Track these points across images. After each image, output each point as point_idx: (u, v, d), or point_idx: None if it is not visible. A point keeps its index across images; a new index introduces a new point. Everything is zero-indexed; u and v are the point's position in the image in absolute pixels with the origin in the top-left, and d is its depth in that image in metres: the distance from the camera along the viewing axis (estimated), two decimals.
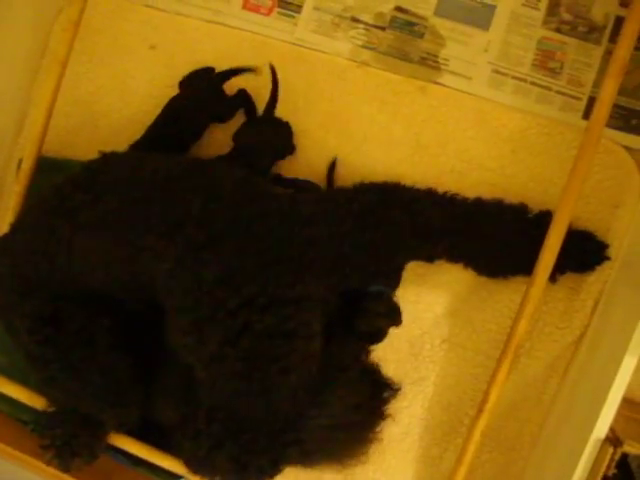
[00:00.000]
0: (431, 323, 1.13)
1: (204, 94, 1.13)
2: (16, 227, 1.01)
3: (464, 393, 1.13)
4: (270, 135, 1.14)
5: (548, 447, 1.10)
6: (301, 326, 0.87)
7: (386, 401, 0.97)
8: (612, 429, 0.96)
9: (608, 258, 1.06)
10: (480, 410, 1.04)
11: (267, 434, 0.87)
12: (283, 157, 1.14)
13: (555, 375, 1.11)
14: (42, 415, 1.08)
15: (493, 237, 1.02)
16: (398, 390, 0.99)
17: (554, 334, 1.10)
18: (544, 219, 1.02)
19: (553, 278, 1.04)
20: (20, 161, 1.13)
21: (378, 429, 0.95)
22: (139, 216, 0.90)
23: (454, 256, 1.05)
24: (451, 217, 1.02)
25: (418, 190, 1.03)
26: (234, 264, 0.86)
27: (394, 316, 1.05)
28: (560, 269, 1.04)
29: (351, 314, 1.02)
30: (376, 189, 1.02)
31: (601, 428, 0.96)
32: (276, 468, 0.89)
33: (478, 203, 1.04)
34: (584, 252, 1.06)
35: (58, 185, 0.97)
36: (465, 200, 1.04)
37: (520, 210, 1.05)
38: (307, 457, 0.90)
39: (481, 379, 1.11)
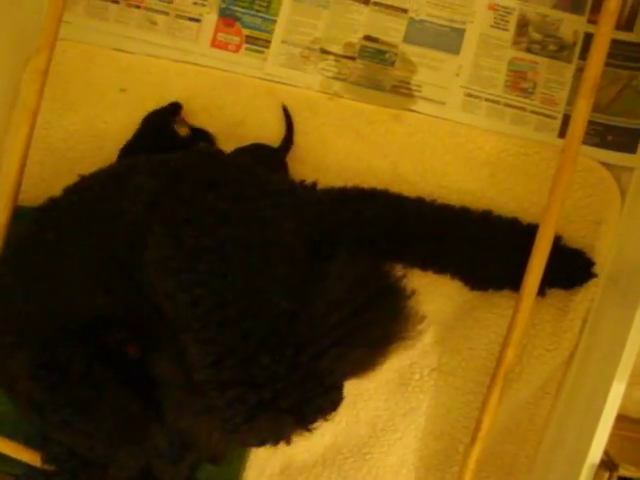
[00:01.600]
0: (419, 353, 1.12)
1: (152, 136, 1.13)
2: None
3: (457, 421, 1.12)
4: None
5: (545, 470, 1.08)
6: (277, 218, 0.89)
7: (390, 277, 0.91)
8: (607, 452, 0.95)
9: (595, 275, 1.05)
10: (474, 439, 1.03)
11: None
12: None
13: (547, 396, 1.10)
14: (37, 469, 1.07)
15: (480, 243, 1.02)
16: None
17: (544, 356, 1.09)
18: (535, 228, 1.01)
19: (542, 292, 1.03)
20: None
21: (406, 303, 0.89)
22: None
23: (439, 264, 1.05)
24: (435, 220, 1.03)
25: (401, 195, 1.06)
26: None
27: None
28: (548, 284, 1.03)
29: None
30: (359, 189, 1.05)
31: (595, 452, 0.95)
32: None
33: (465, 209, 1.05)
34: (571, 269, 1.06)
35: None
36: (452, 207, 1.05)
37: (510, 219, 1.05)
38: (343, 350, 0.84)
39: (473, 406, 1.10)
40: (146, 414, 0.96)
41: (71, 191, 1.01)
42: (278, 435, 0.86)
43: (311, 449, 1.15)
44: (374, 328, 0.85)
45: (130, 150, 1.12)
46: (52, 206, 1.01)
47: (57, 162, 1.16)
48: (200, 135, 1.13)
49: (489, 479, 1.11)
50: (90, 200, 0.97)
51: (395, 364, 1.11)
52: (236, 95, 1.14)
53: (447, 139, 1.10)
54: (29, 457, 1.09)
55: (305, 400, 0.82)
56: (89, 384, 0.94)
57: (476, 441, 1.03)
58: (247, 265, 0.84)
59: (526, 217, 1.07)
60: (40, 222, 1.00)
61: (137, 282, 0.91)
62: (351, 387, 1.04)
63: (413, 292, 0.89)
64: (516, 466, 1.11)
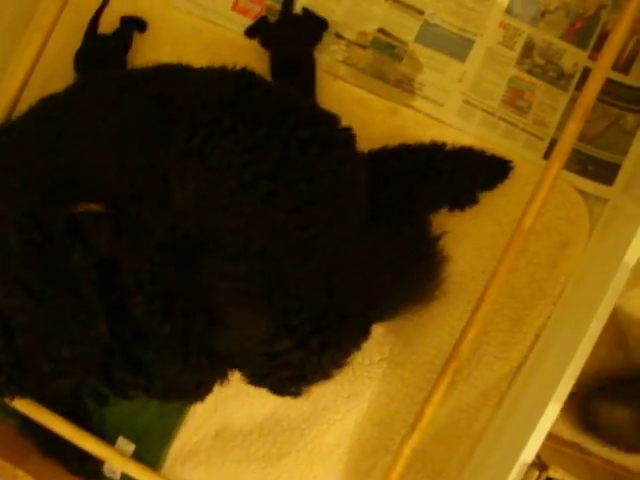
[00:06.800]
0: (371, 340, 1.13)
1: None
2: (26, 121, 1.04)
3: (397, 412, 1.14)
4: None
5: (474, 476, 1.10)
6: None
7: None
8: (538, 456, 0.98)
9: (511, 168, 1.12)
10: (413, 427, 1.05)
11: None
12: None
13: (489, 404, 1.12)
14: None
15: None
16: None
17: (492, 364, 1.12)
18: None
19: (475, 200, 1.11)
20: None
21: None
22: None
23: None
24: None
25: None
26: None
27: None
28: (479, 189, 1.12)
29: None
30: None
31: (528, 453, 0.97)
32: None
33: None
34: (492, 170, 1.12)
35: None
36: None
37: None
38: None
39: (415, 400, 1.12)
40: (98, 309, 0.97)
41: (123, 70, 1.09)
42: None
43: (250, 416, 1.16)
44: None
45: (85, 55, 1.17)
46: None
47: (58, 89, 1.17)
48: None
49: (418, 475, 1.13)
50: (139, 78, 1.01)
51: None
52: (246, 59, 1.15)
53: (437, 139, 1.12)
54: None
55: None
56: (64, 258, 0.95)
57: (415, 430, 1.05)
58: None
59: (497, 227, 1.12)
60: (83, 83, 1.05)
61: (160, 174, 0.93)
62: None
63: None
64: (446, 468, 1.13)
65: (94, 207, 0.99)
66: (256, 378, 0.93)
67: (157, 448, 1.17)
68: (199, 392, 0.99)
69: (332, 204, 0.93)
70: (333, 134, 0.98)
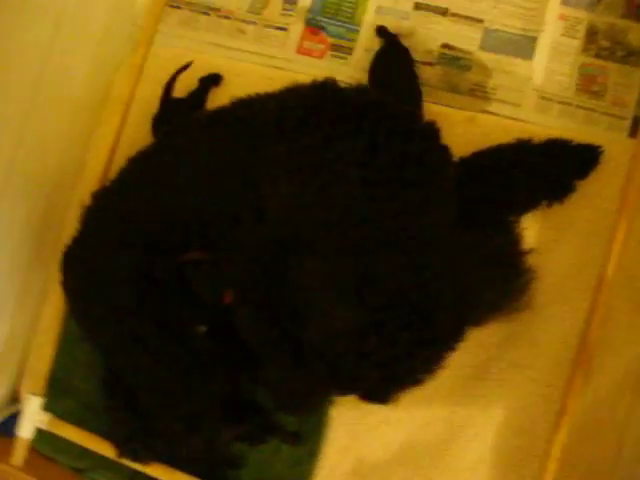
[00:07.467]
0: (496, 347, 1.12)
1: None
2: (119, 181, 1.07)
3: (534, 415, 1.10)
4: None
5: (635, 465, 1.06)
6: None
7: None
8: None
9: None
10: (557, 425, 1.02)
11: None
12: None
13: (626, 390, 1.09)
14: None
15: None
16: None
17: (621, 349, 1.09)
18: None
19: (572, 188, 1.10)
20: None
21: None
22: None
23: None
24: None
25: None
26: None
27: None
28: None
29: None
30: None
31: None
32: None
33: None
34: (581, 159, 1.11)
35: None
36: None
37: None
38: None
39: (550, 399, 1.09)
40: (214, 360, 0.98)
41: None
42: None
43: (384, 447, 1.13)
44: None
45: (162, 119, 1.20)
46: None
47: None
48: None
49: (569, 479, 1.09)
50: (221, 112, 1.04)
51: (472, 359, 1.11)
52: None
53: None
54: (97, 446, 1.09)
55: None
56: (175, 310, 0.97)
57: (560, 427, 1.01)
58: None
59: (596, 212, 1.11)
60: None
61: (253, 191, 0.94)
62: (427, 384, 1.03)
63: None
64: (598, 466, 1.09)
65: (197, 255, 1.01)
66: (347, 382, 0.88)
67: None
68: (309, 402, 0.96)
69: (420, 194, 0.93)
70: (415, 126, 1.00)
